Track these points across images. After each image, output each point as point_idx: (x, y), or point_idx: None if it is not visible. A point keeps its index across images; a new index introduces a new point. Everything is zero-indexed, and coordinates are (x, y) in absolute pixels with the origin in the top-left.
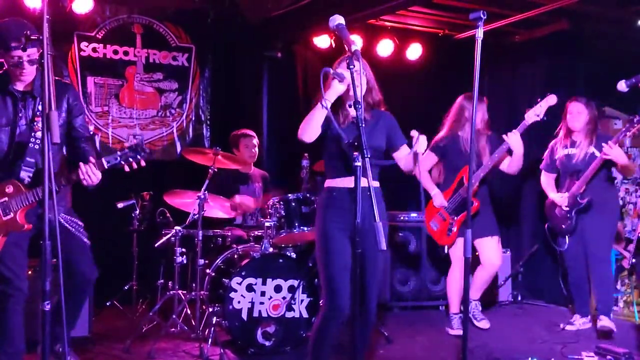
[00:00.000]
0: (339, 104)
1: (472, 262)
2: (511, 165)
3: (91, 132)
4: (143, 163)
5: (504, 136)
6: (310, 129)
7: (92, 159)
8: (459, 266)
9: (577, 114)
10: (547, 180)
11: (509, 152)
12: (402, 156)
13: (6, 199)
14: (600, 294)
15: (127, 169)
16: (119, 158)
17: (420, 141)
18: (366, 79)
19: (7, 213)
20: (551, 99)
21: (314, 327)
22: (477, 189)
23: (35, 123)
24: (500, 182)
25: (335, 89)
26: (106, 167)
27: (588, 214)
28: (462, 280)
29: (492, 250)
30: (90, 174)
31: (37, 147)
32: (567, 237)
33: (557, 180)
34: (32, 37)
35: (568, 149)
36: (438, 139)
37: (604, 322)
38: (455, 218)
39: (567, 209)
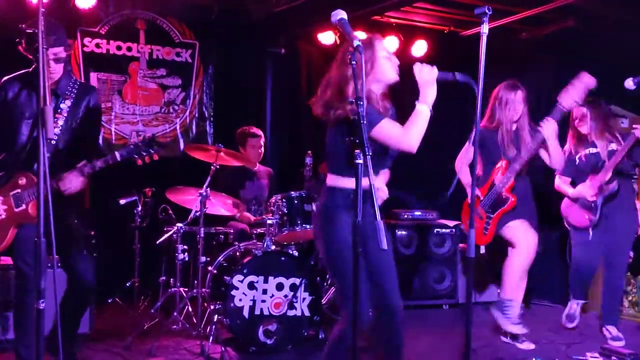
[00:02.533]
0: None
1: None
2: (552, 158)
3: None
4: (156, 157)
5: (539, 126)
6: (421, 137)
7: (80, 165)
8: (522, 252)
9: (582, 117)
10: (562, 182)
11: (544, 143)
12: None
13: (19, 190)
14: (612, 304)
15: (139, 162)
16: (132, 151)
17: None
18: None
19: (19, 205)
20: (586, 78)
21: (333, 336)
22: (513, 184)
23: (55, 120)
24: None
25: (433, 91)
26: (119, 159)
27: (612, 211)
28: (523, 267)
29: (528, 233)
30: (71, 183)
31: (53, 141)
32: (590, 230)
33: (572, 183)
34: (27, 31)
35: (589, 148)
36: (480, 128)
37: (614, 331)
38: (492, 216)
39: (594, 198)
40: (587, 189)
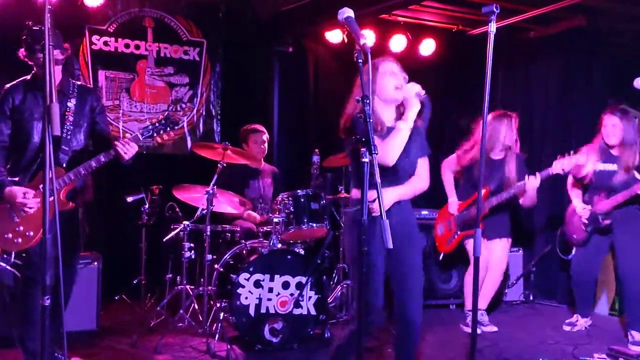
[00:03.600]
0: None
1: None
2: (524, 201)
3: None
4: (172, 134)
5: (526, 177)
6: (399, 152)
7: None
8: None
9: (612, 127)
10: (572, 186)
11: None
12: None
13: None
14: (635, 309)
15: (158, 139)
16: (151, 129)
17: None
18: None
19: (51, 194)
20: (581, 158)
21: (345, 337)
22: (487, 213)
23: (65, 117)
24: None
25: (417, 110)
26: (141, 139)
27: (613, 232)
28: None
29: (500, 252)
30: (128, 147)
31: (68, 137)
32: (574, 248)
33: (586, 186)
34: (34, 28)
35: (605, 164)
36: (467, 147)
37: (637, 337)
38: (459, 232)
39: (586, 222)
40: (582, 211)
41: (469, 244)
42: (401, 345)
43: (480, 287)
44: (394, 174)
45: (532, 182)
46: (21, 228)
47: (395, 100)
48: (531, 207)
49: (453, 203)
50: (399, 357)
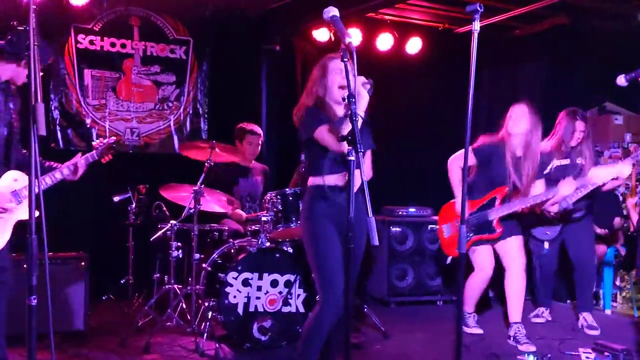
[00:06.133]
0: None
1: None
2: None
3: (88, 125)
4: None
5: (559, 185)
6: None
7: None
8: (480, 272)
9: (574, 131)
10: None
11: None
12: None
13: (15, 188)
14: (585, 293)
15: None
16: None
17: None
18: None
19: (19, 201)
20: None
21: (309, 323)
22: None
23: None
24: None
25: (366, 100)
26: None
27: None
28: (482, 286)
29: (516, 249)
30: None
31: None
32: (546, 242)
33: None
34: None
35: (562, 160)
36: (486, 141)
37: (589, 318)
38: (472, 236)
39: (555, 215)
40: (551, 207)
41: (474, 253)
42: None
43: (476, 290)
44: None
45: (566, 188)
46: None
47: (339, 100)
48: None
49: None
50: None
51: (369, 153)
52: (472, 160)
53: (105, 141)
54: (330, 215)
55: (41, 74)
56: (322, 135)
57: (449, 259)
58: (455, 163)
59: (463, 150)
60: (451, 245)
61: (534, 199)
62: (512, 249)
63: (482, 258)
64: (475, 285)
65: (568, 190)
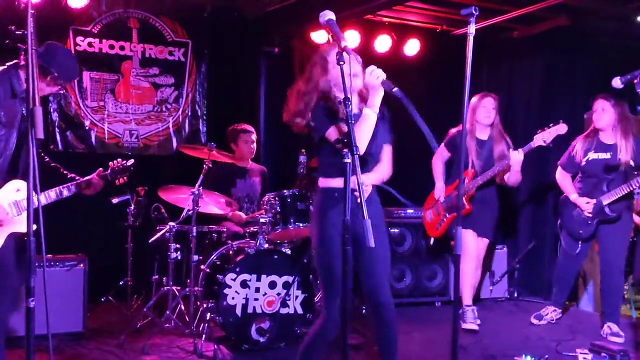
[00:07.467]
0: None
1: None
2: (509, 178)
3: (87, 127)
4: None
5: (510, 151)
6: (368, 139)
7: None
8: (469, 259)
9: (602, 112)
10: (564, 178)
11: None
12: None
13: (17, 198)
14: (611, 302)
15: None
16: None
17: None
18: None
19: (19, 212)
20: (561, 128)
21: (310, 338)
22: (473, 194)
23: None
24: None
25: (381, 95)
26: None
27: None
28: (475, 273)
29: (469, 242)
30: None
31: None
32: (580, 242)
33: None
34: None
35: (598, 153)
36: (454, 133)
37: (615, 329)
38: (447, 215)
39: (590, 215)
40: (586, 205)
41: (463, 240)
42: (381, 330)
43: (470, 278)
44: (362, 161)
45: (516, 156)
46: None
47: (355, 88)
48: (516, 185)
49: (439, 188)
50: (383, 350)
51: (389, 149)
52: (445, 153)
53: (122, 162)
54: (340, 222)
55: (62, 91)
56: (332, 136)
57: (431, 240)
58: (435, 158)
59: (439, 147)
60: (432, 228)
61: (491, 171)
62: (467, 240)
63: (466, 243)
64: (466, 273)
65: (518, 157)
